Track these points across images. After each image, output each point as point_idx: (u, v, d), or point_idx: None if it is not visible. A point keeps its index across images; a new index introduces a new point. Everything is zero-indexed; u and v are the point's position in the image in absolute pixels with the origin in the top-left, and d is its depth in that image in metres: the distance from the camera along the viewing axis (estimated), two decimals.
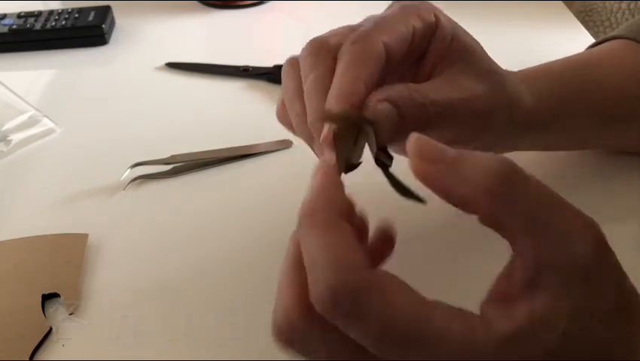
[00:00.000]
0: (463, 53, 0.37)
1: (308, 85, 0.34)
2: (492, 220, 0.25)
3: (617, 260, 0.25)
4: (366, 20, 0.36)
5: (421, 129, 0.28)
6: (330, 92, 0.32)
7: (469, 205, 0.25)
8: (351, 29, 0.36)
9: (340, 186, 0.29)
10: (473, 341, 0.23)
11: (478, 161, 0.25)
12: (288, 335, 0.26)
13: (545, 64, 0.45)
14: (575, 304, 0.24)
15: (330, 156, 0.31)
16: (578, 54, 0.46)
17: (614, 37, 0.47)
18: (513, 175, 0.24)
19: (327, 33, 0.37)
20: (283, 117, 0.38)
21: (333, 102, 0.32)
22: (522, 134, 0.41)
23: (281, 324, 0.26)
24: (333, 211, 0.26)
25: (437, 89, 0.35)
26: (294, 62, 0.37)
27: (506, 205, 0.24)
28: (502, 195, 0.24)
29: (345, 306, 0.23)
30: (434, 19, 0.36)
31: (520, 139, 0.42)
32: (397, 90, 0.33)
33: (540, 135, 0.43)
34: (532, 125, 0.41)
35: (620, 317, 0.25)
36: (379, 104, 0.32)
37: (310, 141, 0.35)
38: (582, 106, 0.43)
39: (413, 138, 0.26)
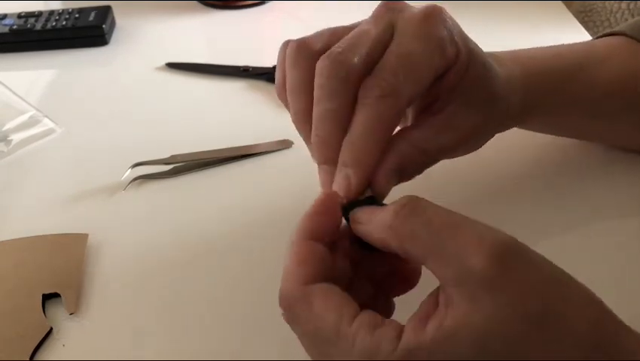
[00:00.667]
0: (472, 84, 0.36)
1: (322, 108, 0.33)
2: (403, 255, 0.28)
3: (537, 262, 0.26)
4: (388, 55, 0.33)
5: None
6: (346, 149, 0.33)
7: (387, 249, 0.29)
8: (332, 33, 0.36)
9: (333, 216, 0.31)
10: (377, 352, 0.26)
11: (385, 208, 0.29)
12: (285, 304, 0.30)
13: (540, 50, 0.44)
14: (487, 315, 0.25)
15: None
16: (575, 44, 0.46)
17: (614, 33, 0.47)
18: (412, 209, 0.28)
19: (311, 36, 0.37)
20: (282, 96, 0.38)
21: (346, 163, 0.32)
22: (509, 124, 0.42)
23: (282, 295, 0.30)
24: (303, 234, 0.31)
25: (432, 136, 0.35)
26: (301, 48, 0.36)
27: (408, 240, 0.27)
28: (403, 232, 0.27)
29: (285, 312, 0.29)
30: (455, 51, 0.34)
31: (505, 127, 0.42)
32: (403, 154, 0.34)
33: (526, 124, 0.44)
34: (518, 116, 0.41)
35: (549, 320, 0.25)
36: (387, 180, 0.33)
37: (307, 138, 0.35)
38: (571, 97, 0.43)
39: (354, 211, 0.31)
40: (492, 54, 0.40)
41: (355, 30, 0.36)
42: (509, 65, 0.40)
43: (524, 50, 0.44)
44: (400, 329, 0.26)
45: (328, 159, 0.33)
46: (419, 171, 0.36)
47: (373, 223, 0.29)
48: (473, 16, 0.70)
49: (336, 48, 0.34)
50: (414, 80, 0.33)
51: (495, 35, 0.65)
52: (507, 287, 0.25)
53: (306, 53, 0.35)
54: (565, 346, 0.25)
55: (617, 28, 0.47)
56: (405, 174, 0.34)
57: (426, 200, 0.28)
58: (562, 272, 0.27)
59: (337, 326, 0.27)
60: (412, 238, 0.27)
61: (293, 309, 0.29)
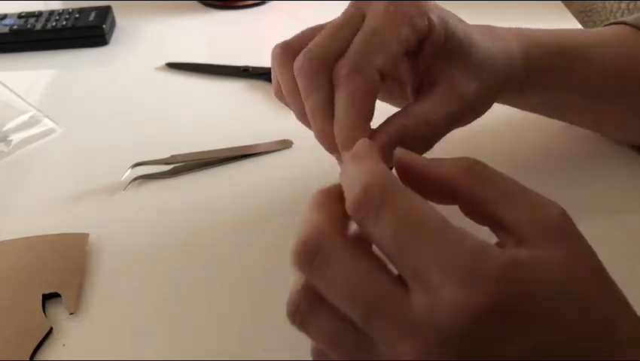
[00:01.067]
0: (456, 51, 0.37)
1: (309, 105, 0.35)
2: (470, 197, 0.27)
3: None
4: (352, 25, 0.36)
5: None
6: (337, 133, 0.34)
7: (449, 187, 0.28)
8: (313, 30, 0.37)
9: None
10: (486, 254, 0.24)
11: (451, 159, 0.28)
12: (314, 245, 0.26)
13: (542, 30, 0.45)
14: (561, 258, 0.25)
15: None
16: (576, 29, 0.47)
17: (618, 23, 0.47)
18: (481, 163, 0.28)
19: (293, 37, 0.38)
20: (281, 97, 0.39)
21: (343, 145, 0.33)
22: (510, 94, 0.42)
23: (309, 239, 0.26)
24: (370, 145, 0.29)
25: (436, 107, 0.36)
26: (285, 50, 0.37)
27: (480, 181, 0.27)
28: (476, 172, 0.27)
29: (375, 199, 0.25)
30: (426, 23, 0.35)
31: (505, 95, 0.42)
32: (402, 125, 0.35)
33: (526, 98, 0.44)
34: (519, 89, 0.42)
35: (600, 276, 0.26)
36: (384, 150, 0.33)
37: (308, 126, 0.36)
38: (570, 74, 0.43)
39: (399, 152, 0.29)
40: (491, 28, 0.41)
41: (328, 24, 0.37)
42: (509, 39, 0.41)
43: (528, 28, 0.44)
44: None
45: (333, 148, 0.35)
46: (428, 144, 0.36)
47: (440, 164, 0.28)
48: (473, 16, 0.70)
49: (310, 45, 0.35)
50: (382, 53, 0.34)
51: None
52: (575, 239, 0.26)
53: (290, 54, 0.36)
54: (616, 296, 0.26)
55: (619, 19, 0.48)
56: (411, 147, 0.33)
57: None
58: None
59: (443, 221, 0.25)
60: (486, 181, 0.27)
61: (388, 196, 0.25)
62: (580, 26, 0.66)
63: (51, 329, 0.38)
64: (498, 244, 0.27)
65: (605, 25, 0.48)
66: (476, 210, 0.28)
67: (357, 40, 0.35)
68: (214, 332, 0.38)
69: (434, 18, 0.36)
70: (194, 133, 0.55)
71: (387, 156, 0.32)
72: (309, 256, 0.26)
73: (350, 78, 0.33)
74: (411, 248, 0.24)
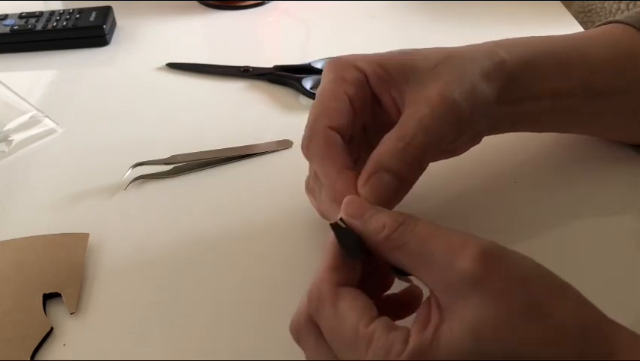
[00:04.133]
0: (404, 71, 0.38)
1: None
2: (393, 262, 0.31)
3: (517, 259, 0.28)
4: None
5: (421, 165, 0.37)
6: (325, 194, 0.37)
7: (378, 251, 0.31)
8: None
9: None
10: (389, 352, 0.28)
11: (380, 216, 0.31)
12: (294, 332, 0.33)
13: (528, 37, 0.45)
14: (477, 310, 0.27)
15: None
16: (568, 34, 0.47)
17: (613, 22, 0.47)
18: (402, 224, 0.30)
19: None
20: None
21: (332, 203, 0.36)
22: (507, 83, 0.41)
23: (292, 322, 0.33)
24: (329, 247, 0.32)
25: (409, 119, 0.37)
26: None
27: (398, 249, 0.30)
28: (392, 241, 0.30)
29: (310, 307, 0.31)
30: (358, 73, 0.39)
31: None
32: (386, 155, 0.36)
33: (519, 93, 0.42)
34: (512, 76, 0.41)
35: (534, 309, 0.27)
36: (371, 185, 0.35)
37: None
38: (563, 68, 0.43)
39: (345, 199, 0.33)
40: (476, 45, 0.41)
41: None
42: (493, 47, 0.41)
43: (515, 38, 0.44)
44: (409, 333, 0.28)
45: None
46: (414, 164, 0.37)
47: (368, 227, 0.31)
48: (472, 16, 0.70)
49: None
50: (326, 113, 0.38)
51: (495, 35, 0.65)
52: (492, 283, 0.27)
53: None
54: (552, 333, 0.26)
55: (614, 18, 0.48)
56: (397, 172, 0.36)
57: (415, 216, 0.31)
58: (541, 267, 0.29)
59: (356, 326, 0.29)
60: (401, 248, 0.30)
61: (319, 306, 0.30)
62: (579, 26, 0.66)
63: (52, 328, 0.38)
64: (427, 304, 0.30)
65: (598, 25, 0.48)
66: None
67: (310, 115, 0.38)
68: (214, 332, 0.38)
69: (363, 65, 0.39)
70: (194, 133, 0.55)
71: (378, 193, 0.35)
72: (294, 337, 0.33)
73: (310, 149, 0.37)
74: (338, 354, 0.30)
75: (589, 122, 0.47)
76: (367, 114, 0.40)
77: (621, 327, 0.28)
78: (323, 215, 0.40)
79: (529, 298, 0.27)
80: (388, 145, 0.36)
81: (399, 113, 0.38)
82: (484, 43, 0.42)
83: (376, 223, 0.31)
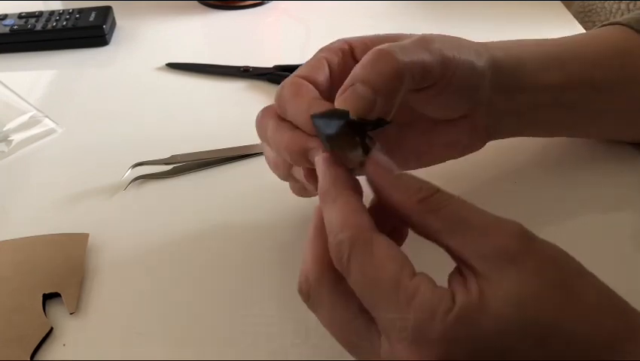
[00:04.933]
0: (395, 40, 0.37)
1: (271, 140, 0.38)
2: (422, 228, 0.29)
3: (547, 242, 0.28)
4: None
5: (400, 78, 0.34)
6: (300, 118, 0.35)
7: (404, 214, 0.30)
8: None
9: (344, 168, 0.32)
10: (436, 309, 0.26)
11: (413, 179, 0.30)
12: (305, 291, 0.30)
13: (521, 39, 0.45)
14: (516, 284, 0.26)
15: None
16: (562, 36, 0.47)
17: (611, 24, 0.47)
18: (438, 191, 0.29)
19: None
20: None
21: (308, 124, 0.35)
22: (496, 92, 0.41)
23: (301, 281, 0.31)
24: (341, 185, 0.31)
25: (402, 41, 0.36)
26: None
27: (432, 211, 0.29)
28: (428, 202, 0.29)
29: (344, 257, 0.28)
30: (345, 45, 0.39)
31: (497, 99, 0.42)
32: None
33: (512, 97, 0.42)
34: (502, 78, 0.41)
35: (567, 289, 0.27)
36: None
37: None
38: (556, 68, 0.43)
39: (371, 157, 0.31)
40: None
41: None
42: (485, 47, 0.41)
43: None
44: (454, 293, 0.27)
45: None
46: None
47: (399, 191, 0.30)
48: (472, 16, 0.70)
49: None
50: (306, 70, 0.38)
51: (494, 35, 0.65)
52: (528, 261, 0.27)
53: None
54: (587, 310, 0.27)
55: (613, 20, 0.48)
56: (372, 84, 0.34)
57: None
58: (565, 252, 0.28)
59: (398, 276, 0.27)
60: (437, 212, 0.28)
61: (353, 252, 0.28)
62: (579, 26, 0.66)
63: (51, 328, 0.38)
64: (458, 272, 0.29)
65: (598, 28, 0.48)
66: (432, 240, 0.29)
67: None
68: (214, 332, 0.38)
69: (353, 39, 0.40)
70: (194, 133, 0.55)
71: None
72: (303, 297, 0.31)
73: (281, 93, 0.37)
74: (371, 307, 0.28)
75: (590, 122, 0.47)
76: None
77: (638, 311, 0.29)
78: (277, 167, 0.40)
79: (563, 277, 0.27)
80: (364, 58, 0.35)
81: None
82: (476, 42, 0.42)
83: (411, 184, 0.29)
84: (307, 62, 0.39)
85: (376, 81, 0.34)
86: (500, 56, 0.41)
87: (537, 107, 0.44)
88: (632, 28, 0.45)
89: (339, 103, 0.34)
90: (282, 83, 0.38)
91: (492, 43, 0.43)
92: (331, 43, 0.40)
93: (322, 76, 0.38)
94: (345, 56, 0.39)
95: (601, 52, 0.45)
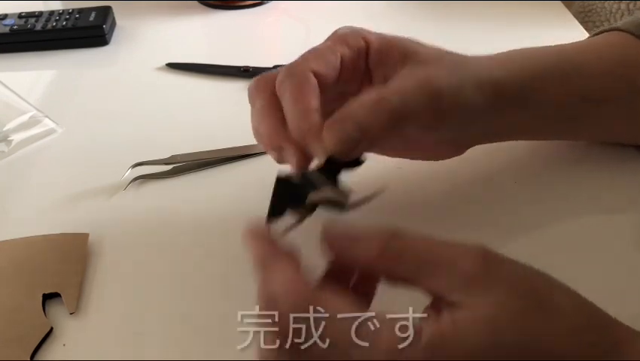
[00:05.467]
0: (407, 56, 0.39)
1: (255, 114, 0.39)
2: (391, 278, 0.30)
3: (513, 261, 0.29)
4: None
5: (391, 128, 0.36)
6: (290, 124, 0.37)
7: (370, 270, 0.30)
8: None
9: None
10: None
11: (370, 233, 0.30)
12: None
13: (523, 48, 0.45)
14: (489, 307, 0.27)
15: None
16: (563, 44, 0.47)
17: (611, 29, 0.47)
18: (393, 236, 0.29)
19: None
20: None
21: (297, 134, 0.36)
22: (496, 113, 0.42)
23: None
24: (274, 258, 0.31)
25: (392, 83, 0.37)
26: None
27: (395, 260, 0.29)
28: (390, 251, 0.29)
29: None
30: (362, 42, 0.39)
31: (496, 120, 0.42)
32: (357, 103, 0.36)
33: (514, 114, 0.43)
34: (503, 100, 0.41)
35: (540, 304, 0.27)
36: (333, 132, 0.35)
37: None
38: (557, 84, 0.43)
39: (324, 227, 0.31)
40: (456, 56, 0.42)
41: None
42: (474, 57, 0.42)
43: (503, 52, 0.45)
44: (421, 328, 0.27)
45: (266, 147, 0.39)
46: (390, 122, 0.36)
47: (357, 250, 0.30)
48: (472, 16, 0.70)
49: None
50: (316, 60, 0.38)
51: (494, 36, 0.65)
52: (499, 281, 0.27)
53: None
54: (563, 324, 0.27)
55: (613, 25, 0.48)
56: (362, 126, 0.35)
57: (400, 228, 0.30)
58: (536, 268, 0.29)
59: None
60: (401, 260, 0.29)
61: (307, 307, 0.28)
62: (579, 26, 0.66)
63: (51, 328, 0.38)
64: (432, 306, 0.29)
65: (596, 33, 0.48)
66: (403, 286, 0.29)
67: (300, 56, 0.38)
68: (214, 332, 0.38)
69: (371, 37, 0.40)
70: (194, 133, 0.55)
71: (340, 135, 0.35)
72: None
73: (288, 79, 0.37)
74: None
75: (589, 129, 0.47)
76: (353, 84, 0.40)
77: (618, 321, 0.29)
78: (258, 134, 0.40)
79: (536, 294, 0.27)
80: (362, 98, 0.36)
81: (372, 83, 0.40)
82: (482, 58, 0.43)
83: (365, 243, 0.30)
84: (322, 49, 0.39)
85: (368, 127, 0.35)
86: (502, 77, 0.41)
87: (537, 121, 0.44)
88: (632, 34, 0.45)
89: (326, 133, 0.35)
90: (291, 67, 0.37)
91: (495, 59, 0.43)
92: (349, 33, 0.40)
93: (332, 71, 0.38)
94: (360, 54, 0.40)
95: (602, 63, 0.45)
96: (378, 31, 0.41)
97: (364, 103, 0.36)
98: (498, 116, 0.42)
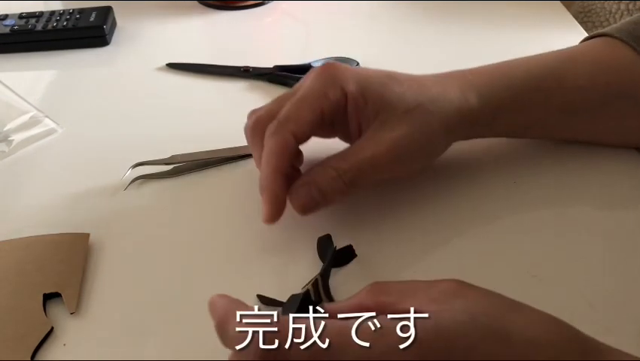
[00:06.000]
0: (379, 106, 0.41)
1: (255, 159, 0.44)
2: (379, 307, 0.31)
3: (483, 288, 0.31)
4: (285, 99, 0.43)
5: (349, 193, 0.40)
6: (260, 182, 0.41)
7: (361, 308, 0.31)
8: (279, 101, 0.43)
9: None
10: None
11: (345, 306, 0.32)
12: None
13: (513, 60, 0.46)
14: (460, 308, 0.29)
15: None
16: (551, 52, 0.47)
17: (600, 35, 0.47)
18: (379, 282, 0.33)
19: (266, 106, 0.45)
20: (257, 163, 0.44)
21: (262, 190, 0.41)
22: (472, 129, 0.44)
23: None
24: None
25: (353, 153, 0.41)
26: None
27: (382, 292, 0.32)
28: (376, 287, 0.32)
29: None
30: (340, 94, 0.41)
31: (472, 132, 0.45)
32: (315, 173, 0.40)
33: (486, 133, 0.46)
34: (479, 122, 0.44)
35: (518, 307, 0.30)
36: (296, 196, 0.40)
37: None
38: (541, 100, 0.44)
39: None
40: (445, 77, 0.44)
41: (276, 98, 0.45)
42: (463, 84, 0.44)
43: (487, 66, 0.46)
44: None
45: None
46: (345, 191, 0.40)
47: (347, 302, 0.32)
48: (472, 16, 0.70)
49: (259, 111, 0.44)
50: (297, 119, 0.41)
51: (494, 36, 0.65)
52: (473, 291, 0.30)
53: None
54: (535, 316, 0.29)
55: (600, 30, 0.48)
56: (325, 194, 0.40)
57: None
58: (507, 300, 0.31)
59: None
60: (386, 290, 0.32)
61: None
62: (579, 26, 0.66)
63: (52, 328, 0.38)
64: None
65: (585, 40, 0.49)
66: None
67: (284, 108, 0.42)
68: (213, 332, 0.38)
69: (351, 87, 0.41)
70: (194, 133, 0.55)
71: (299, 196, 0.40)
72: None
73: (268, 140, 0.41)
74: None
75: (583, 136, 0.48)
76: (330, 128, 0.45)
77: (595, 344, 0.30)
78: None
79: (506, 300, 0.30)
80: (325, 167, 0.40)
81: (358, 135, 0.42)
82: (459, 79, 0.44)
83: (349, 309, 0.31)
84: (308, 105, 0.41)
85: (329, 194, 0.40)
86: (478, 110, 0.43)
87: (522, 130, 0.47)
88: (622, 40, 0.45)
89: (292, 198, 0.40)
90: (275, 127, 0.41)
91: (475, 82, 0.44)
92: (331, 85, 0.42)
93: (310, 128, 0.41)
94: (339, 106, 0.42)
95: (587, 74, 0.45)
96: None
97: (324, 174, 0.40)
98: (470, 136, 0.46)
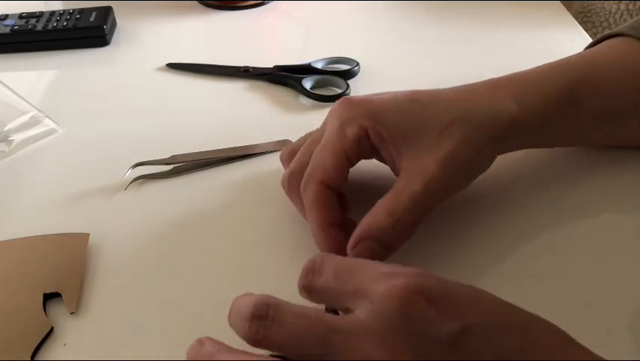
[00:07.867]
0: (406, 133, 0.39)
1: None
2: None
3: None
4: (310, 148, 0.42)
5: (411, 235, 0.38)
6: (315, 237, 0.40)
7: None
8: (309, 146, 0.42)
9: None
10: (400, 268, 0.30)
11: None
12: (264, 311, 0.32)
13: (538, 67, 0.45)
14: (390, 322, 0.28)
15: None
16: (573, 56, 0.46)
17: (615, 35, 0.47)
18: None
19: (297, 156, 0.43)
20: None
21: (319, 246, 0.40)
22: (516, 136, 0.43)
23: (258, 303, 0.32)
24: None
25: (404, 190, 0.38)
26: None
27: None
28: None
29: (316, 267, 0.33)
30: (357, 129, 0.40)
31: (516, 141, 0.44)
32: (369, 227, 0.38)
33: (530, 139, 0.44)
34: (519, 132, 0.42)
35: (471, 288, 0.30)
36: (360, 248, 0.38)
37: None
38: (574, 109, 0.43)
39: None
40: (475, 89, 0.43)
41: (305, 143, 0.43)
42: (499, 96, 0.42)
43: (520, 72, 0.45)
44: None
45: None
46: (406, 231, 0.38)
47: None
48: (473, 16, 0.70)
49: (290, 166, 0.43)
50: (323, 167, 0.40)
51: (494, 36, 0.65)
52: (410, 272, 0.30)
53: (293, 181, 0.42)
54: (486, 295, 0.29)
55: (616, 30, 0.47)
56: (386, 241, 0.37)
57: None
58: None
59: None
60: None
61: (326, 257, 0.33)
62: (579, 27, 0.66)
63: (52, 328, 0.38)
64: None
65: (601, 39, 0.48)
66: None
67: (311, 158, 0.41)
68: (214, 333, 0.38)
69: (367, 120, 0.40)
70: (194, 133, 0.55)
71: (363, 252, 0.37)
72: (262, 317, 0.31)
73: (303, 196, 0.40)
74: (349, 279, 0.31)
75: (598, 139, 0.48)
76: (366, 156, 0.42)
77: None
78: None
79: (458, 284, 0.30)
80: (378, 218, 0.37)
81: (397, 166, 0.40)
82: (494, 89, 0.42)
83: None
84: (329, 151, 0.40)
85: (390, 243, 0.38)
86: (518, 118, 0.41)
87: (548, 142, 0.46)
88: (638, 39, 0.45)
89: (352, 253, 0.37)
90: (306, 182, 0.40)
91: (512, 90, 0.43)
92: (348, 123, 0.40)
93: (341, 172, 0.40)
94: (361, 140, 0.40)
95: (615, 78, 0.44)
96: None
97: (380, 225, 0.37)
98: (513, 146, 0.44)
